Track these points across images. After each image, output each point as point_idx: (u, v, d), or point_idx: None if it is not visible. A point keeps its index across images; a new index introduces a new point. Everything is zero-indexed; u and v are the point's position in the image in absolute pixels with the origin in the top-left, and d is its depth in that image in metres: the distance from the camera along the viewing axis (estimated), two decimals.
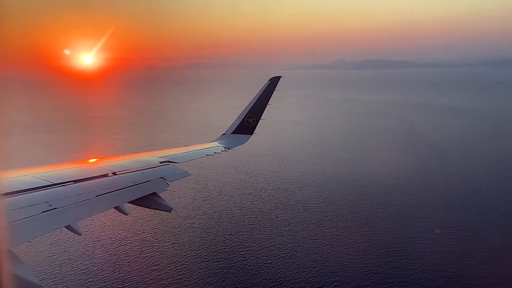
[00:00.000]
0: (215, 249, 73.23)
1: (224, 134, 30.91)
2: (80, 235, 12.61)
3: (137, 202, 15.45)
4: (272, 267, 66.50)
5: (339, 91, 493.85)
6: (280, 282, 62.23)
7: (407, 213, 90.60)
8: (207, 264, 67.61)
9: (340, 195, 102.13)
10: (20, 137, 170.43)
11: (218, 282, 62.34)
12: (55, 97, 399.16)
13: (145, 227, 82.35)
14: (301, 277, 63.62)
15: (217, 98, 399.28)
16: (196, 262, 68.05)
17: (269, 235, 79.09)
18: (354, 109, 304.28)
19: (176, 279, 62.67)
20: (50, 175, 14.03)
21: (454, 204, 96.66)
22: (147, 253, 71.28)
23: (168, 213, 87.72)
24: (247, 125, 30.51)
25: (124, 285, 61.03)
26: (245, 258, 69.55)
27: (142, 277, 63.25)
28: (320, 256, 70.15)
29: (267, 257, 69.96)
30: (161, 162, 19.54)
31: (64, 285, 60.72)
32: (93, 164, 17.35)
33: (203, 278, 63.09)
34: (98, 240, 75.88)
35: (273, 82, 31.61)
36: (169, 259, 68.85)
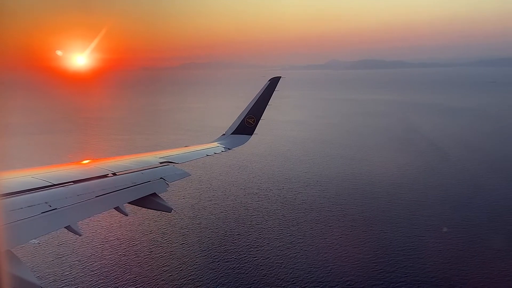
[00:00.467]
0: (225, 249, 72.75)
1: (224, 134, 30.87)
2: (80, 235, 12.49)
3: (137, 202, 15.38)
4: (284, 267, 66.14)
5: (335, 91, 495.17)
6: (293, 282, 61.87)
7: (414, 211, 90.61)
8: (218, 264, 67.13)
9: (346, 194, 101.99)
10: (16, 138, 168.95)
11: (230, 282, 61.89)
12: (48, 98, 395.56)
13: (152, 227, 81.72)
14: (313, 277, 63.30)
15: (213, 98, 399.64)
16: (207, 263, 67.57)
17: (278, 235, 78.73)
18: (351, 108, 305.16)
19: (189, 280, 62.13)
20: (50, 176, 13.97)
21: (460, 202, 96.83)
22: (157, 253, 70.65)
23: (175, 213, 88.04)
24: (247, 125, 30.49)
25: (137, 285, 60.43)
26: (255, 258, 69.15)
27: (153, 277, 62.66)
28: (331, 256, 69.88)
29: (277, 257, 69.59)
30: (161, 163, 19.55)
31: (76, 286, 59.97)
32: (93, 164, 17.18)
33: (215, 279, 62.61)
34: (107, 241, 75.17)
35: (273, 82, 31.69)
36: (179, 260, 68.28)
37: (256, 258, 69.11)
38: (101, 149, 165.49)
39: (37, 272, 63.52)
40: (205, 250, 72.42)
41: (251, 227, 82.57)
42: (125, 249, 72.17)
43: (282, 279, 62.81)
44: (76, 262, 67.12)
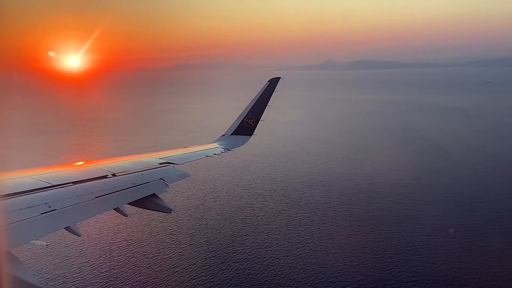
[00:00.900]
0: (234, 249, 72.45)
1: (223, 135, 30.77)
2: (79, 236, 12.46)
3: (136, 203, 15.34)
4: (295, 267, 65.92)
5: (332, 91, 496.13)
6: (305, 282, 61.68)
7: (419, 211, 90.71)
8: (228, 265, 66.81)
9: (351, 194, 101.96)
10: (13, 139, 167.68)
11: (242, 283, 61.59)
12: (41, 99, 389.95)
13: (159, 228, 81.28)
14: (324, 277, 63.11)
15: (210, 99, 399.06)
16: (217, 263, 67.23)
17: (285, 235, 78.51)
18: (349, 108, 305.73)
19: (200, 281, 61.79)
20: (49, 177, 13.95)
21: (464, 201, 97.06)
22: (166, 254, 70.22)
23: (181, 214, 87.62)
24: (246, 126, 30.37)
25: (147, 287, 59.98)
26: (265, 258, 68.89)
27: (164, 278, 62.27)
28: (341, 256, 69.74)
29: (287, 257, 69.36)
30: (160, 163, 19.50)
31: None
32: (92, 165, 17.07)
33: (227, 279, 62.30)
34: (114, 243, 74.65)
35: (273, 83, 31.64)
36: (189, 261, 67.90)
37: (266, 259, 68.85)
38: (100, 150, 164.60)
39: (46, 274, 62.92)
40: (213, 250, 72.07)
41: (258, 228, 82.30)
42: (133, 250, 71.69)
43: (294, 279, 62.60)
44: (84, 263, 66.58)
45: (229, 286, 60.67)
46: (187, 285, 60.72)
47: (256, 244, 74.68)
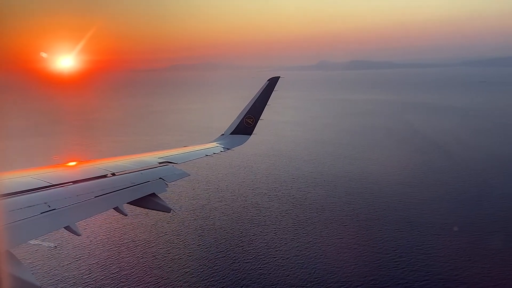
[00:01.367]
0: (243, 249, 72.03)
1: (223, 134, 30.65)
2: (79, 236, 12.27)
3: (136, 202, 15.30)
4: (306, 267, 65.61)
5: (328, 92, 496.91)
6: (317, 282, 61.38)
7: (426, 210, 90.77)
8: (239, 265, 66.38)
9: (356, 194, 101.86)
10: (10, 141, 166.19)
11: (254, 283, 61.19)
12: (34, 100, 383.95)
13: (166, 229, 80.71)
14: (336, 277, 62.86)
15: (207, 99, 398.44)
16: (228, 264, 66.77)
17: (294, 235, 78.21)
18: (347, 108, 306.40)
19: (212, 281, 61.29)
20: (49, 176, 13.96)
21: (469, 199, 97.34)
22: (175, 255, 69.63)
23: (188, 214, 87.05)
24: (246, 125, 30.27)
25: None
26: (275, 258, 68.55)
27: (175, 279, 61.75)
28: (351, 255, 69.52)
29: (297, 257, 69.07)
30: (160, 163, 19.46)
31: None
32: (92, 165, 16.99)
33: (239, 280, 61.88)
34: (122, 243, 74.01)
35: (272, 82, 31.50)
36: (199, 261, 67.39)
37: (276, 259, 68.50)
38: (98, 151, 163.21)
39: (55, 276, 62.17)
40: (223, 251, 71.61)
41: (266, 227, 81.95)
42: (142, 251, 71.06)
43: (306, 279, 62.27)
44: (94, 264, 65.90)
45: (242, 286, 60.26)
46: (199, 286, 60.24)
47: (265, 244, 74.31)
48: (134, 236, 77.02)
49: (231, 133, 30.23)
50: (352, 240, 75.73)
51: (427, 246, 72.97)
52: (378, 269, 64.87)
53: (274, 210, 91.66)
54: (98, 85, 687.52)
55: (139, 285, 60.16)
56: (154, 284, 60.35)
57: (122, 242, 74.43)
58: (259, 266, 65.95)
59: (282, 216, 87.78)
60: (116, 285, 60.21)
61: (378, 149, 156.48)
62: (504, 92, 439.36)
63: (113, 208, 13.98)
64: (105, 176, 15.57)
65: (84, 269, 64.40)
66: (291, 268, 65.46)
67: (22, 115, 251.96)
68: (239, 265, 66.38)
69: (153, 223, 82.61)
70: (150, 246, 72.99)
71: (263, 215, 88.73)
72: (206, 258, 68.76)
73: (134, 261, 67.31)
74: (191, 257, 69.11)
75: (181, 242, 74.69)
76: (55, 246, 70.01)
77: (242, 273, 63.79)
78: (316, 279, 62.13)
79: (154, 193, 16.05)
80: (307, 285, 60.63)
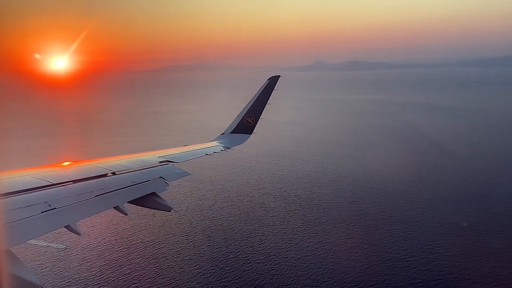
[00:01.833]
0: (254, 250, 71.65)
1: (223, 133, 30.62)
2: (79, 235, 12.40)
3: (136, 202, 15.40)
4: (318, 267, 65.31)
5: (325, 92, 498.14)
6: (331, 282, 61.12)
7: (432, 209, 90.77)
8: (251, 265, 65.98)
9: (362, 194, 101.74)
10: (8, 142, 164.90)
11: (268, 283, 60.79)
12: (29, 102, 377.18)
13: (174, 229, 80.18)
14: (349, 277, 62.59)
15: (204, 100, 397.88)
16: (239, 264, 66.33)
17: (303, 235, 77.92)
18: (346, 109, 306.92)
19: (225, 282, 60.83)
20: (49, 175, 13.99)
21: (475, 198, 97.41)
22: (186, 255, 69.11)
23: (195, 215, 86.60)
24: (246, 124, 30.28)
25: None
26: (287, 259, 68.22)
27: (188, 279, 61.31)
28: (362, 255, 69.33)
29: (308, 257, 68.78)
30: (160, 162, 19.49)
31: None
32: (92, 164, 16.98)
33: (252, 280, 61.47)
34: (131, 244, 73.42)
35: (272, 81, 31.55)
36: (210, 262, 66.93)
37: (287, 259, 68.18)
38: (98, 152, 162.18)
39: (66, 277, 61.51)
40: (233, 251, 71.19)
41: (274, 228, 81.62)
42: (152, 252, 70.49)
43: (319, 279, 61.96)
44: (104, 265, 65.27)
45: (256, 287, 59.88)
46: (212, 287, 59.80)
47: (275, 244, 73.98)
48: (142, 237, 76.40)
49: (232, 132, 30.26)
50: (362, 240, 75.57)
51: (437, 245, 72.90)
52: (391, 269, 64.70)
53: (281, 210, 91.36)
54: (92, 86, 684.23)
55: (152, 286, 59.63)
56: (167, 285, 59.82)
57: (131, 243, 73.79)
58: (271, 266, 65.58)
59: (290, 216, 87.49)
60: (128, 286, 59.65)
61: (379, 149, 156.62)
62: (499, 91, 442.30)
63: (114, 207, 13.99)
64: (105, 175, 15.59)
65: (95, 270, 63.76)
66: (303, 268, 65.16)
67: (15, 117, 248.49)
68: (251, 265, 65.98)
69: (160, 224, 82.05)
70: (160, 247, 72.42)
71: (271, 215, 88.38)
72: (217, 259, 68.30)
73: (145, 262, 66.74)
74: (202, 257, 68.65)
75: (190, 243, 74.17)
76: (65, 248, 69.39)
77: (255, 273, 63.40)
78: (330, 279, 61.86)
79: (154, 192, 16.11)
80: (321, 286, 60.33)
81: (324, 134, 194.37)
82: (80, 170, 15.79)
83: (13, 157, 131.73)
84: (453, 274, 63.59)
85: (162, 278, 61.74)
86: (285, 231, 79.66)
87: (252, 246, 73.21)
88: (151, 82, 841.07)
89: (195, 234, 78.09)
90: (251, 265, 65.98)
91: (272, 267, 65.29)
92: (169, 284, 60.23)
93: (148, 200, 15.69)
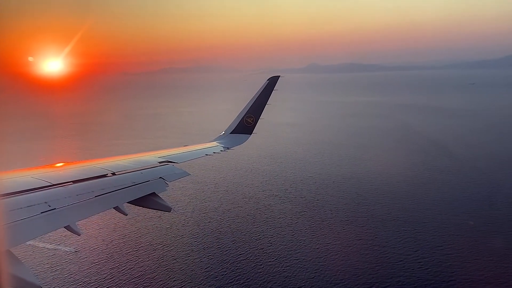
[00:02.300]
0: (264, 252, 71.15)
1: (223, 133, 30.54)
2: (79, 235, 12.16)
3: (136, 202, 15.40)
4: (330, 269, 64.91)
5: (321, 94, 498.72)
6: (344, 284, 60.75)
7: (439, 210, 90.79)
8: (262, 267, 65.46)
9: (367, 195, 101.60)
10: (8, 144, 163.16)
11: (280, 285, 60.32)
12: (24, 104, 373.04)
13: (182, 231, 79.54)
14: (362, 278, 62.27)
15: (201, 102, 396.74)
16: (250, 266, 65.78)
17: (312, 236, 77.52)
18: (344, 110, 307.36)
19: (237, 284, 60.25)
20: (49, 176, 13.99)
21: (481, 199, 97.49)
22: (196, 258, 68.50)
23: (202, 217, 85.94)
24: (246, 125, 30.26)
25: None
26: (298, 260, 67.76)
27: (200, 282, 60.70)
28: (372, 256, 69.09)
29: (319, 259, 68.40)
30: (160, 162, 19.50)
31: None
32: (92, 164, 16.96)
33: (265, 282, 60.95)
34: (140, 246, 72.68)
35: (272, 82, 31.54)
36: (221, 264, 66.34)
37: (298, 260, 67.73)
38: (96, 154, 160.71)
39: (77, 281, 60.68)
40: (243, 253, 70.62)
41: (282, 229, 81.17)
42: (162, 254, 69.78)
43: (331, 281, 61.54)
44: (114, 268, 64.48)
45: None
46: None
47: (284, 245, 73.52)
48: (150, 240, 75.67)
49: (231, 132, 30.19)
50: (372, 241, 75.30)
51: (447, 246, 72.79)
52: (403, 270, 64.44)
53: (287, 212, 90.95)
54: (88, 88, 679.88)
55: None
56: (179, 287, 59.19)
57: (140, 246, 73.05)
58: (283, 268, 65.10)
59: (297, 218, 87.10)
60: None
61: (380, 150, 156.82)
62: (494, 93, 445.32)
63: (114, 208, 13.93)
64: (105, 175, 15.57)
65: (105, 273, 62.98)
66: (315, 270, 64.74)
67: (9, 120, 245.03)
68: (263, 267, 65.47)
69: (168, 226, 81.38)
70: (169, 249, 71.71)
71: (278, 217, 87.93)
72: (227, 261, 67.71)
73: (155, 265, 66.03)
74: (212, 259, 68.06)
75: (199, 245, 73.56)
76: (76, 251, 68.54)
77: (267, 275, 62.91)
78: (343, 281, 61.48)
79: (154, 192, 16.07)
80: (335, 287, 59.95)
81: (324, 135, 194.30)
82: (80, 171, 15.73)
83: (7, 160, 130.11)
84: (465, 275, 63.41)
85: (174, 281, 61.09)
86: (293, 233, 79.23)
87: (262, 248, 72.70)
88: (148, 84, 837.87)
89: (203, 236, 77.48)
90: (263, 267, 65.46)
91: (283, 269, 64.82)
92: (181, 286, 59.54)
93: (148, 200, 15.68)
